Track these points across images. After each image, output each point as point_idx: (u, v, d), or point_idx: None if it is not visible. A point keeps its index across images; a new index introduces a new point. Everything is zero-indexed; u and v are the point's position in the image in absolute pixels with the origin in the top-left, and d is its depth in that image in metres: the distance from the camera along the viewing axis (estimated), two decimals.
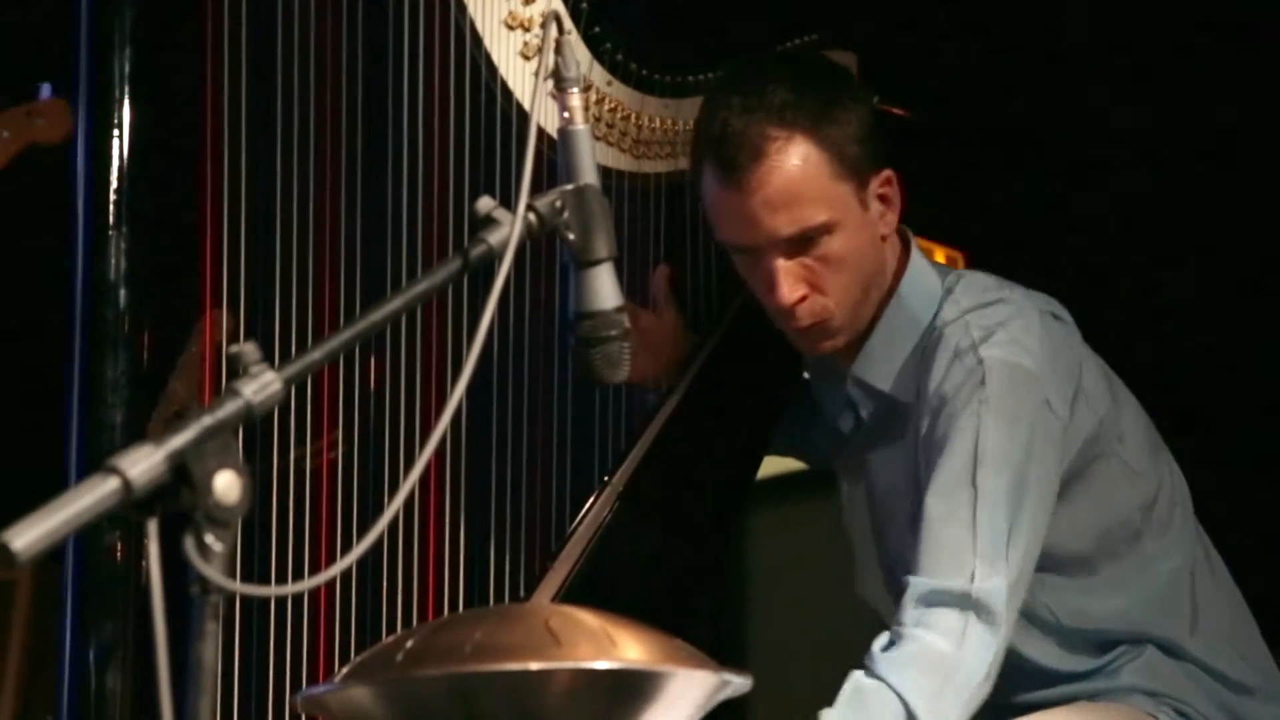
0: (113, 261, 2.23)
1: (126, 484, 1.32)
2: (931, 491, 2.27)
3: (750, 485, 2.62)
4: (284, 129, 2.26)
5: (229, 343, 2.22)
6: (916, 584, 2.22)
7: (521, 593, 2.37)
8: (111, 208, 2.23)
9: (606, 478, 2.47)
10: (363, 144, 2.33)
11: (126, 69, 2.23)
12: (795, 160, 2.33)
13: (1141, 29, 3.47)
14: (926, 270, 2.45)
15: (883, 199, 2.39)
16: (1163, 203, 3.57)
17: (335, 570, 1.49)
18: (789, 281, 2.35)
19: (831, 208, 2.34)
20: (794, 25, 2.80)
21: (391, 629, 2.29)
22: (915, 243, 2.47)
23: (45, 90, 2.28)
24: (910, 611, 2.21)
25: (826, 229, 2.34)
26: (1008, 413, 2.27)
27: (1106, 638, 2.43)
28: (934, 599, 2.21)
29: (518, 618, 1.60)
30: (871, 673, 2.20)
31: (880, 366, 2.41)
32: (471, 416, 2.35)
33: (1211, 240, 3.53)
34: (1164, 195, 3.57)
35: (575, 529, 2.42)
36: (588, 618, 1.57)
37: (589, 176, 1.82)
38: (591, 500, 2.45)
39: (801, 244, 2.34)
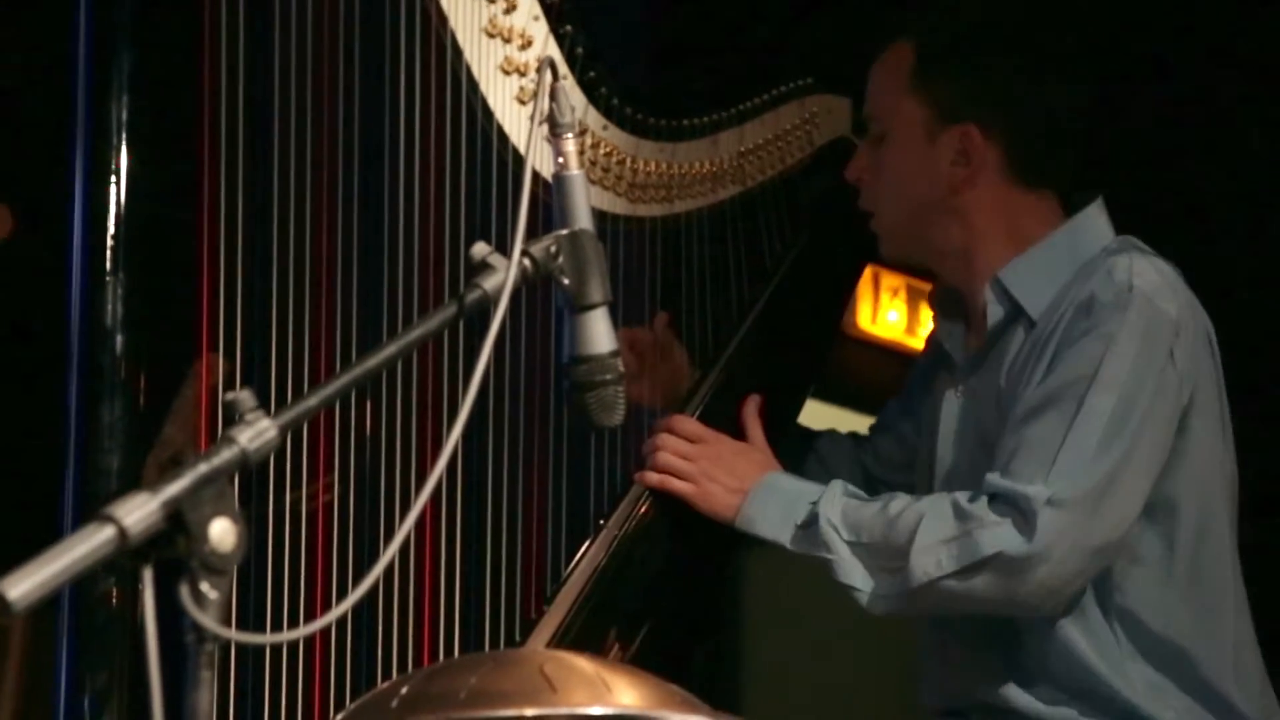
0: (109, 307, 2.23)
1: (122, 532, 1.32)
2: (1040, 389, 2.32)
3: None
4: (281, 174, 2.27)
5: (225, 388, 2.23)
6: (991, 481, 2.30)
7: (516, 638, 2.37)
8: (108, 253, 2.24)
9: (601, 521, 2.47)
10: (359, 189, 2.33)
11: (124, 115, 2.23)
12: (893, 61, 2.48)
13: (1132, 57, 3.47)
14: (1103, 226, 2.47)
15: (961, 151, 2.44)
16: (1162, 239, 3.57)
17: (330, 618, 1.49)
18: (855, 158, 2.55)
19: (892, 115, 2.47)
20: (789, 69, 2.82)
21: (386, 675, 2.28)
22: (1094, 211, 2.48)
23: None
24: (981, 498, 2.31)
25: (883, 129, 2.49)
26: (1138, 348, 2.31)
27: (1154, 653, 2.39)
28: (993, 497, 2.29)
29: (512, 663, 1.60)
30: (933, 497, 2.35)
31: (1025, 277, 2.43)
32: (466, 460, 2.35)
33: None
34: (1164, 230, 3.57)
35: (570, 573, 2.42)
36: (583, 663, 1.57)
37: (584, 221, 1.83)
38: (586, 544, 2.45)
39: (874, 135, 2.51)
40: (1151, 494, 2.35)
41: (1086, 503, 2.28)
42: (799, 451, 2.71)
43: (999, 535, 2.28)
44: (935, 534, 2.30)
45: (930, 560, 2.30)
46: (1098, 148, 2.54)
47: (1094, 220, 2.48)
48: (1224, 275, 3.28)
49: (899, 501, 2.38)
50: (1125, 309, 2.32)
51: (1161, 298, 2.35)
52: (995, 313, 2.44)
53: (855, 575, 2.35)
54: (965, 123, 2.44)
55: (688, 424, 2.51)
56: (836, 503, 2.38)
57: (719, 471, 2.44)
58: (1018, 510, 2.28)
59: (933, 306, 2.64)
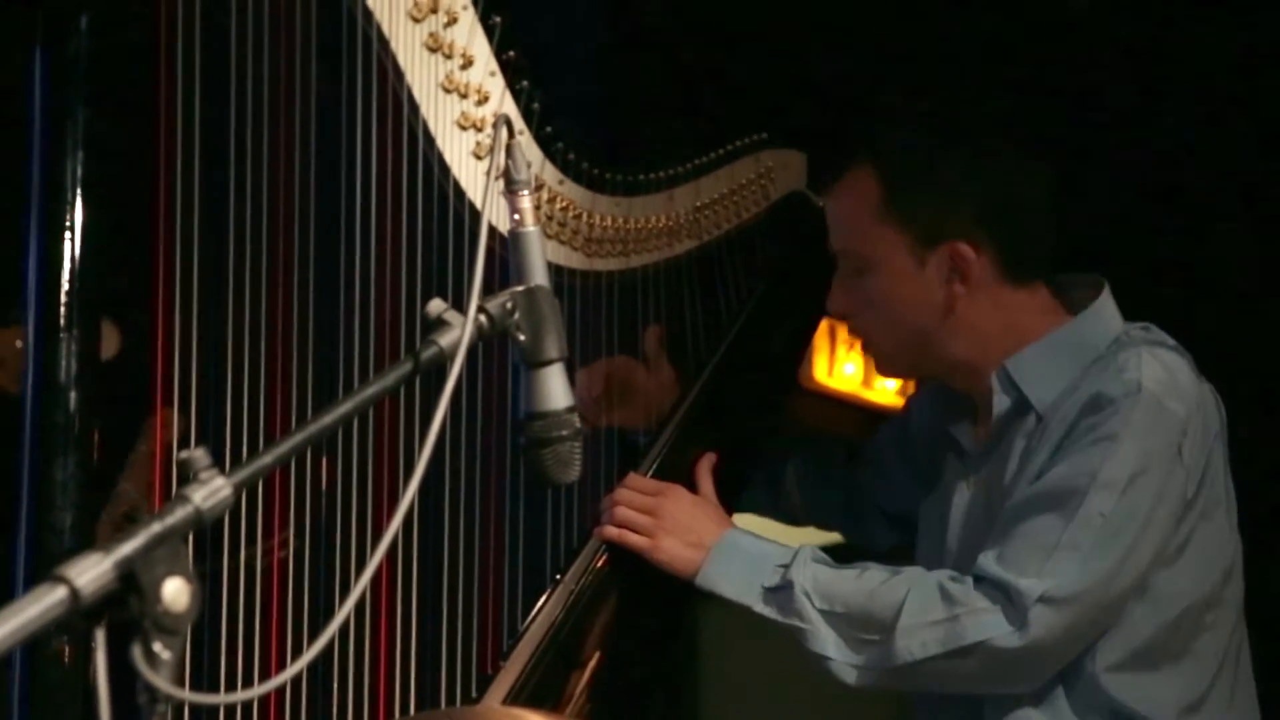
0: (63, 363, 2.22)
1: (74, 593, 1.31)
2: (1042, 483, 2.32)
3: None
4: (236, 230, 2.27)
5: (179, 443, 2.22)
6: (983, 565, 2.31)
7: (472, 694, 2.36)
8: (62, 309, 2.23)
9: (558, 576, 2.47)
10: (315, 244, 2.33)
11: (79, 171, 2.23)
12: (857, 191, 2.44)
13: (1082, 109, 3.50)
14: (1112, 317, 2.46)
15: (953, 269, 2.41)
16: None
17: (285, 676, 1.48)
18: (835, 295, 2.50)
19: (871, 246, 2.44)
20: (744, 124, 2.83)
21: None
22: (1102, 301, 2.47)
23: None
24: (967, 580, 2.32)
25: (864, 263, 2.45)
26: (1142, 450, 2.30)
27: None
28: (983, 582, 2.30)
29: None
30: (914, 572, 2.36)
31: (1031, 369, 2.42)
32: (423, 516, 2.34)
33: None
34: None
35: (526, 629, 2.41)
36: None
37: (539, 278, 1.84)
38: (543, 600, 2.44)
39: (851, 269, 2.47)
40: (1147, 583, 2.35)
41: (1079, 602, 2.29)
42: (786, 455, 2.76)
43: (987, 623, 2.28)
44: (922, 615, 2.30)
45: (916, 641, 2.30)
46: (1070, 227, 2.54)
47: (1102, 311, 2.46)
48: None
49: (875, 573, 2.37)
50: (1132, 409, 2.31)
51: (1170, 397, 2.33)
52: (1001, 403, 2.43)
53: (829, 645, 2.35)
54: (951, 240, 2.41)
55: (644, 481, 2.51)
56: (808, 569, 2.37)
57: (676, 526, 2.44)
58: (1008, 600, 2.28)
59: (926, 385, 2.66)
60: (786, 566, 2.38)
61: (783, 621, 2.37)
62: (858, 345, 2.55)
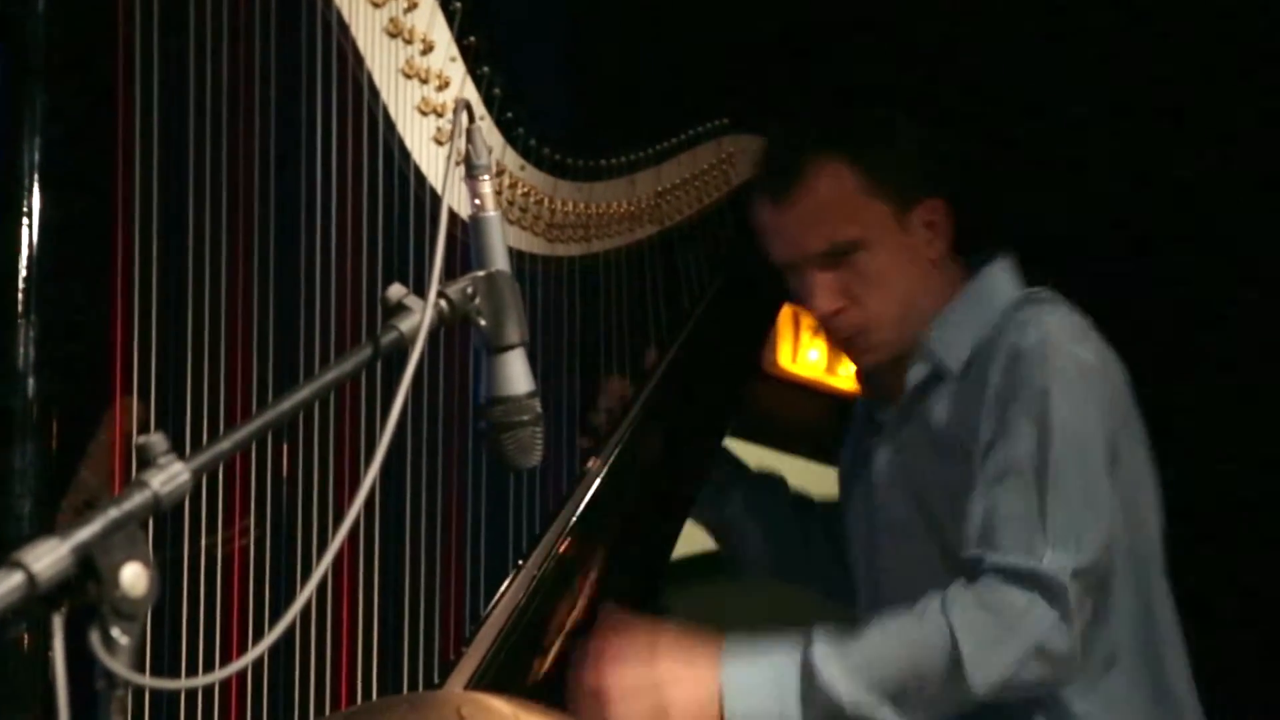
0: (21, 350, 2.21)
1: (30, 579, 1.31)
2: (994, 459, 2.33)
3: (665, 571, 2.62)
4: (195, 217, 2.26)
5: (139, 431, 2.21)
6: (993, 561, 2.26)
7: (435, 679, 2.36)
8: (20, 296, 2.22)
9: (520, 561, 2.47)
10: (275, 230, 2.32)
11: (36, 158, 2.22)
12: (827, 180, 2.49)
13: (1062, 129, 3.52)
14: (1010, 277, 2.55)
15: (929, 225, 2.52)
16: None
17: (245, 661, 1.48)
18: (823, 294, 2.50)
19: (862, 226, 2.48)
20: (705, 110, 2.84)
21: (304, 718, 2.26)
22: (1001, 264, 2.56)
23: None
24: (977, 581, 2.26)
25: (857, 245, 2.48)
26: (1075, 392, 2.36)
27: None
28: (1003, 576, 2.26)
29: (429, 706, 1.60)
30: (933, 605, 2.26)
31: (945, 333, 2.49)
32: (384, 501, 2.34)
33: None
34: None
35: (489, 614, 2.42)
36: (500, 705, 1.57)
37: (500, 263, 1.83)
38: (505, 585, 2.44)
39: (836, 258, 2.49)
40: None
41: (1099, 562, 2.32)
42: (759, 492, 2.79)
43: (1039, 619, 2.26)
44: (979, 639, 2.24)
45: (991, 668, 2.24)
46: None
47: (1000, 273, 2.55)
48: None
49: (893, 622, 2.28)
50: (1046, 360, 2.37)
51: (1076, 344, 2.41)
52: (919, 371, 2.50)
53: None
54: (923, 199, 2.52)
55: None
56: (831, 664, 2.22)
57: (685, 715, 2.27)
58: (1042, 586, 2.26)
59: (862, 385, 2.69)
60: (809, 678, 2.21)
61: None
62: (852, 337, 2.54)
